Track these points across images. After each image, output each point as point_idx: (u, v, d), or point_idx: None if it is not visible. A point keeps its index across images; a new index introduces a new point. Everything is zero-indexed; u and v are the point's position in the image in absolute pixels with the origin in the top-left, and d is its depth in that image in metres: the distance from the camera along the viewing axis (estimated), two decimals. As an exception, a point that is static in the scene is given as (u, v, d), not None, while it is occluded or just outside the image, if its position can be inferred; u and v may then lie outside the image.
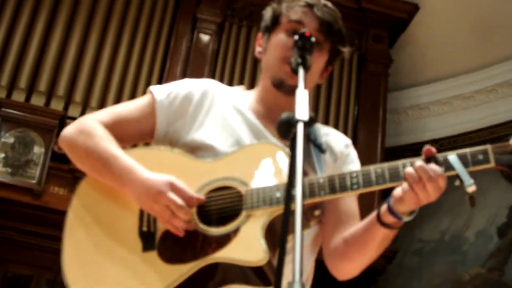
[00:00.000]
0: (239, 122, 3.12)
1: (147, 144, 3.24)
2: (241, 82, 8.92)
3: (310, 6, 3.15)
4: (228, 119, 3.12)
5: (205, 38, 9.13)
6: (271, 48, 3.19)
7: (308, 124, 2.37)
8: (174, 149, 3.06)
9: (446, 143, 9.69)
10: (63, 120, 8.25)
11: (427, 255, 8.89)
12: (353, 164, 3.22)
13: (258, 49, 3.31)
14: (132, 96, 8.63)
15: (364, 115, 9.20)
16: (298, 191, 2.16)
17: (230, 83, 8.70)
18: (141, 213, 2.92)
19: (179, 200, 2.72)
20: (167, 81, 8.63)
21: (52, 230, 8.01)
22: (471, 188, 2.50)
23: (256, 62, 9.09)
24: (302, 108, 2.42)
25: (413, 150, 9.77)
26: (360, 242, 2.91)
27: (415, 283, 8.99)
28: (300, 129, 2.33)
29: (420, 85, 10.05)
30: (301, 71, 2.68)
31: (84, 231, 2.98)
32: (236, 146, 3.01)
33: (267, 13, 3.29)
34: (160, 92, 3.18)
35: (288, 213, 2.11)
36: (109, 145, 2.96)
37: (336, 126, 8.73)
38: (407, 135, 9.93)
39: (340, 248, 3.00)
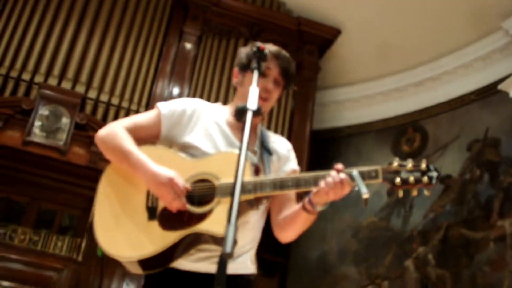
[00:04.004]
0: (217, 131, 3.23)
1: (153, 143, 3.32)
2: (212, 79, 9.05)
3: (276, 57, 3.25)
4: (209, 129, 3.22)
5: (188, 46, 9.10)
6: (246, 85, 3.18)
7: (256, 113, 2.59)
8: (172, 149, 3.19)
9: (355, 128, 9.79)
10: (84, 100, 8.38)
11: (337, 207, 8.84)
12: (291, 162, 3.39)
13: (235, 80, 3.42)
14: (134, 87, 8.79)
15: (298, 107, 9.29)
16: (241, 162, 2.34)
17: (204, 80, 8.99)
18: (148, 193, 3.04)
19: (174, 193, 2.86)
20: (159, 76, 8.89)
21: (72, 178, 8.31)
22: (365, 195, 2.78)
23: (224, 64, 9.22)
24: (252, 101, 2.63)
25: (332, 132, 9.86)
26: (291, 220, 3.11)
27: (329, 226, 9.06)
28: (249, 115, 2.57)
29: (339, 86, 10.10)
30: (255, 74, 2.84)
31: (108, 202, 3.09)
32: (214, 149, 3.12)
33: (241, 54, 3.37)
34: (164, 108, 3.28)
35: (234, 193, 2.26)
36: (128, 143, 3.07)
37: (277, 116, 8.97)
38: (328, 121, 10.03)
39: (280, 222, 3.21)
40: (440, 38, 8.91)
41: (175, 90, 8.72)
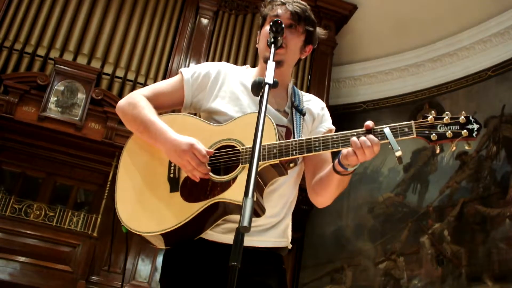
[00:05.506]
0: (243, 94, 3.07)
1: (177, 110, 3.20)
2: (228, 54, 9.03)
3: (283, 3, 3.12)
4: (236, 92, 3.08)
5: (205, 21, 9.15)
6: (260, 38, 3.15)
7: (273, 86, 2.48)
8: (194, 116, 3.06)
9: (371, 105, 9.77)
10: (100, 75, 8.36)
11: (354, 183, 8.88)
12: (326, 122, 3.19)
13: (257, 41, 3.26)
14: (150, 62, 8.78)
15: (315, 82, 9.22)
16: (259, 133, 2.25)
17: (221, 54, 8.99)
18: (170, 163, 2.92)
19: (196, 159, 2.74)
20: (176, 51, 8.87)
21: (88, 154, 8.30)
22: (398, 153, 2.55)
23: (240, 40, 9.26)
24: (269, 74, 2.51)
25: (348, 108, 9.83)
26: (324, 183, 2.92)
27: (344, 202, 9.06)
28: (266, 89, 2.45)
29: (355, 62, 10.07)
30: (272, 48, 2.76)
31: (129, 176, 3.03)
32: (241, 113, 2.97)
33: (260, 16, 3.27)
34: (187, 72, 3.14)
35: (253, 158, 2.17)
36: (149, 113, 2.96)
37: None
38: (344, 97, 9.99)
39: (314, 186, 3.01)
40: (458, 12, 8.78)
41: (192, 66, 8.62)
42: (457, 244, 7.79)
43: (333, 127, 3.16)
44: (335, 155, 2.80)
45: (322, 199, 3.02)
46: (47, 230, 7.39)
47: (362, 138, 2.61)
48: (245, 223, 1.94)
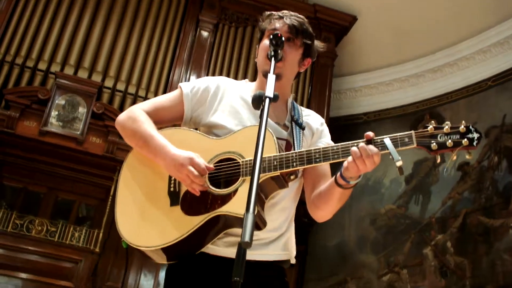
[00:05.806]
0: (243, 107, 3.10)
1: (177, 125, 3.20)
2: (229, 66, 9.03)
3: (281, 17, 3.15)
4: (235, 106, 3.10)
5: (205, 34, 9.15)
6: (259, 52, 3.18)
7: (273, 100, 2.49)
8: (194, 130, 3.08)
9: (372, 116, 9.77)
10: (101, 89, 8.34)
11: (355, 195, 8.86)
12: (325, 137, 3.21)
13: (256, 55, 3.29)
14: (150, 75, 8.77)
15: (316, 94, 9.14)
16: (260, 145, 2.26)
17: (222, 66, 8.97)
18: (170, 178, 2.93)
19: (195, 172, 2.75)
20: (176, 64, 8.86)
21: (90, 168, 8.23)
22: (399, 163, 2.55)
23: (240, 52, 9.25)
24: (270, 88, 2.53)
25: (349, 119, 9.85)
26: (325, 197, 2.91)
27: (346, 215, 9.04)
28: (267, 102, 2.47)
29: (356, 74, 10.07)
30: (272, 61, 2.77)
31: (129, 190, 3.04)
32: (240, 126, 2.99)
33: (258, 30, 3.30)
34: (187, 87, 3.17)
35: (254, 170, 2.17)
36: (149, 127, 2.97)
37: (295, 101, 8.77)
38: (345, 108, 9.96)
39: (314, 200, 3.00)
40: (458, 23, 8.80)
41: (192, 79, 8.55)
42: (461, 255, 7.75)
43: (332, 143, 3.08)
44: (334, 169, 2.79)
45: (322, 213, 3.01)
46: (49, 245, 7.36)
47: (363, 147, 2.61)
48: (247, 239, 1.93)
